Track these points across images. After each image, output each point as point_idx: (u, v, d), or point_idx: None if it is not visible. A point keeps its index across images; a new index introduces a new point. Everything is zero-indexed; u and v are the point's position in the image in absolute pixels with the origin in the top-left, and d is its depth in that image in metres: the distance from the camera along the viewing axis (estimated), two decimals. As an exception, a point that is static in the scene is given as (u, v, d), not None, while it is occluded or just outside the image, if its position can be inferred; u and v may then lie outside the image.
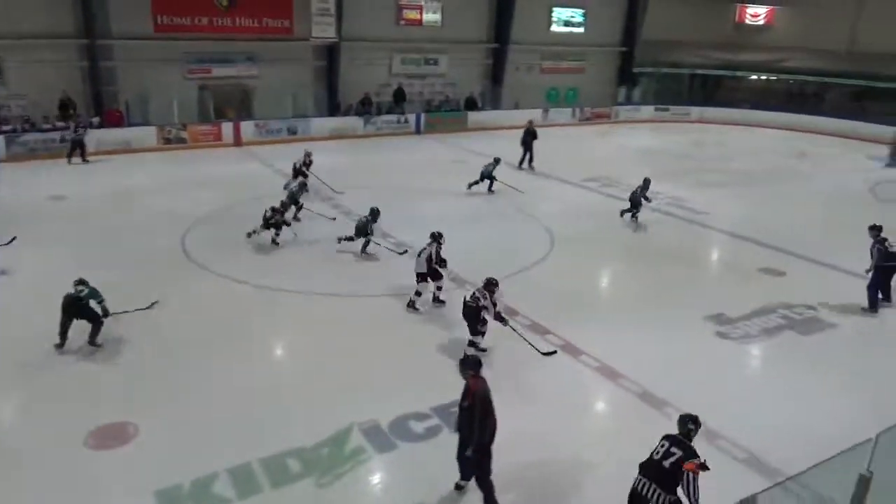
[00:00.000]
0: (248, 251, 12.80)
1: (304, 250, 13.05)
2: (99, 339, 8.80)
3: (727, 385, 8.60)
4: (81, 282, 8.63)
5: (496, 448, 5.99)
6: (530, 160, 20.94)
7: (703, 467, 4.81)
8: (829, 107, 31.77)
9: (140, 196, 16.58)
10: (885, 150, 24.79)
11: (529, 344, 8.95)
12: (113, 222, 14.52)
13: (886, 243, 10.63)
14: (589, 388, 8.53)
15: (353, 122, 25.54)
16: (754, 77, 35.40)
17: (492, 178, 17.45)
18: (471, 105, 28.33)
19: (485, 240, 13.96)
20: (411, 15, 27.37)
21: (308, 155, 17.32)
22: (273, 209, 12.96)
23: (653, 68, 34.42)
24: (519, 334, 9.10)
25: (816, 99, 33.19)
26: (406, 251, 12.39)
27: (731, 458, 6.97)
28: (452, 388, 7.97)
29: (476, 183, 17.43)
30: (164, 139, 22.30)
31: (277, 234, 12.98)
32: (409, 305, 10.47)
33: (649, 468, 5.22)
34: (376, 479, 6.70)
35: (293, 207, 13.90)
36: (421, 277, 10.36)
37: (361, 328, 9.83)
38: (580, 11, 31.81)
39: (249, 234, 13.00)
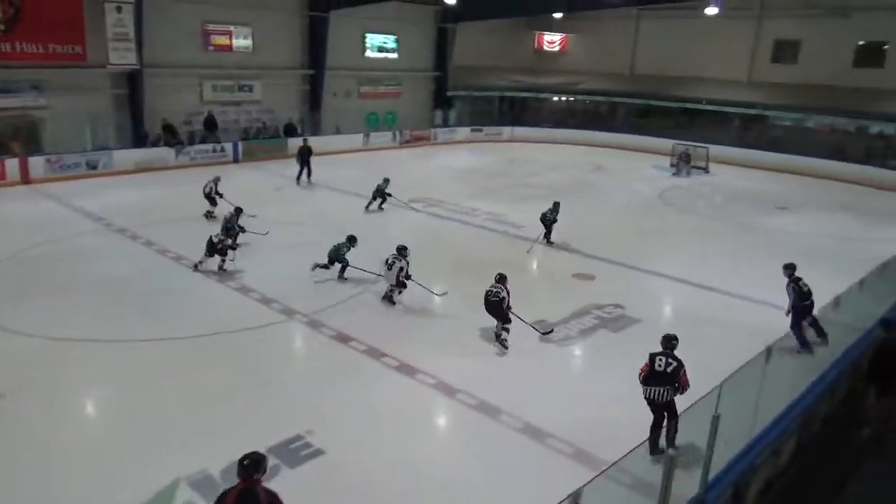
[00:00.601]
0: (38, 300, 11.47)
1: (102, 291, 11.96)
2: None
3: (553, 386, 9.17)
4: None
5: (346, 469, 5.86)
6: (308, 174, 22.18)
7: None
8: (619, 124, 35.51)
9: None
10: (666, 161, 28.14)
11: (531, 326, 10.44)
12: None
13: (801, 283, 10.03)
14: (427, 406, 8.67)
15: (163, 153, 23.90)
16: (555, 98, 38.54)
17: (384, 196, 18.73)
18: (290, 131, 27.81)
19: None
20: (220, 41, 26.31)
21: (217, 180, 17.34)
22: (218, 236, 13.03)
23: (465, 91, 36.23)
24: (521, 319, 10.31)
25: (608, 117, 36.91)
26: (381, 274, 12.27)
27: (559, 455, 7.44)
28: (287, 423, 7.74)
29: (372, 202, 18.71)
30: (-69, 180, 19.36)
31: (223, 261, 12.97)
32: (384, 298, 11.79)
33: (655, 378, 7.14)
34: (213, 533, 6.26)
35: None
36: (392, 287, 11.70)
37: (174, 371, 9.18)
38: (392, 37, 32.65)
39: (196, 266, 12.98)
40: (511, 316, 10.17)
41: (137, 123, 24.07)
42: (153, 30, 23.76)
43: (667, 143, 29.30)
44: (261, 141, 26.90)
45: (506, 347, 10.13)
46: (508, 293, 10.12)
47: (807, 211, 20.93)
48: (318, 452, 7.28)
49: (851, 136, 29.10)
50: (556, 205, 16.53)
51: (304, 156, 22.16)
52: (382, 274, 12.05)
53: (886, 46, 28.48)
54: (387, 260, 11.79)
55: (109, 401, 8.62)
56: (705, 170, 27.39)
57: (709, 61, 32.44)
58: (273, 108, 28.28)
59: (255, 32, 27.10)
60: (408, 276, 11.68)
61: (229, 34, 26.47)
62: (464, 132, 34.79)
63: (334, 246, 12.99)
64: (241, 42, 26.89)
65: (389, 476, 7.02)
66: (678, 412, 6.93)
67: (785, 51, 31.36)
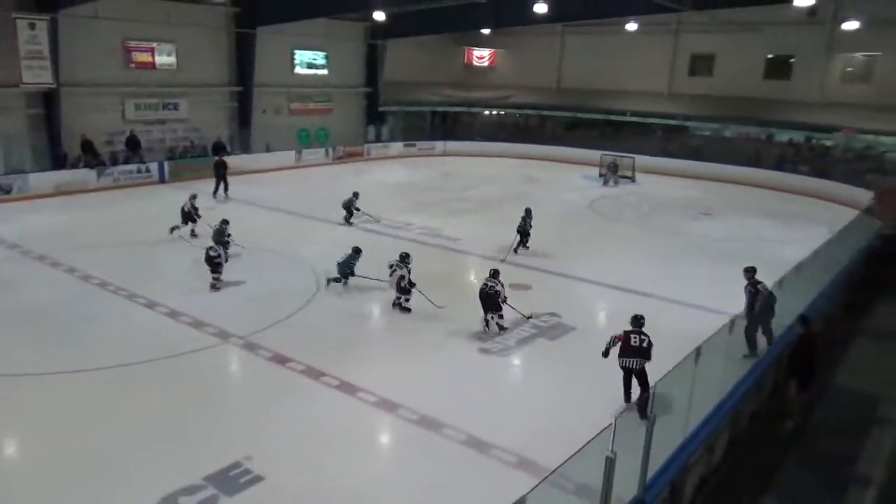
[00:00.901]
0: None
1: (20, 321, 11.37)
2: None
3: (495, 396, 9.25)
4: None
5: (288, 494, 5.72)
6: (225, 189, 22.56)
7: None
8: (548, 136, 36.37)
9: None
10: (595, 171, 28.98)
11: (521, 314, 11.49)
12: None
13: (759, 286, 9.85)
14: (369, 424, 8.58)
15: (84, 175, 22.87)
16: (486, 112, 39.13)
17: (351, 210, 19.21)
18: (219, 150, 27.12)
19: (251, 287, 13.43)
20: (142, 58, 25.49)
21: (193, 197, 17.54)
22: (215, 249, 13.18)
23: (397, 107, 36.35)
24: (513, 308, 11.38)
25: (538, 129, 37.75)
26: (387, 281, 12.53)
27: (503, 465, 7.49)
28: (225, 450, 7.51)
29: (348, 217, 19.17)
30: None
31: (216, 279, 13.16)
32: (394, 307, 12.30)
33: (632, 351, 8.29)
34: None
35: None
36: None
37: (100, 404, 8.78)
38: (322, 54, 32.45)
39: (214, 287, 13.08)
40: (504, 306, 11.30)
41: (55, 144, 23.03)
42: (70, 47, 22.84)
43: (594, 154, 30.20)
44: (189, 160, 26.15)
45: (504, 328, 11.28)
46: (502, 286, 11.17)
47: (728, 216, 21.91)
48: (257, 479, 7.09)
49: (764, 143, 30.77)
50: (528, 211, 16.97)
51: (220, 170, 22.58)
52: (388, 281, 12.47)
53: (793, 60, 30.33)
54: (390, 265, 12.31)
55: (30, 439, 8.15)
56: (632, 179, 28.35)
57: (631, 75, 33.74)
58: (200, 126, 27.59)
59: (179, 49, 26.41)
60: (411, 284, 12.15)
61: (152, 51, 25.70)
62: (397, 147, 34.83)
63: (342, 260, 13.39)
64: (165, 59, 26.14)
65: (333, 499, 6.90)
66: (649, 382, 7.94)
67: (701, 64, 33.01)
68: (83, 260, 14.65)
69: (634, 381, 8.45)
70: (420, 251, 16.72)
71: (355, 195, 19.52)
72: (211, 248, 13.28)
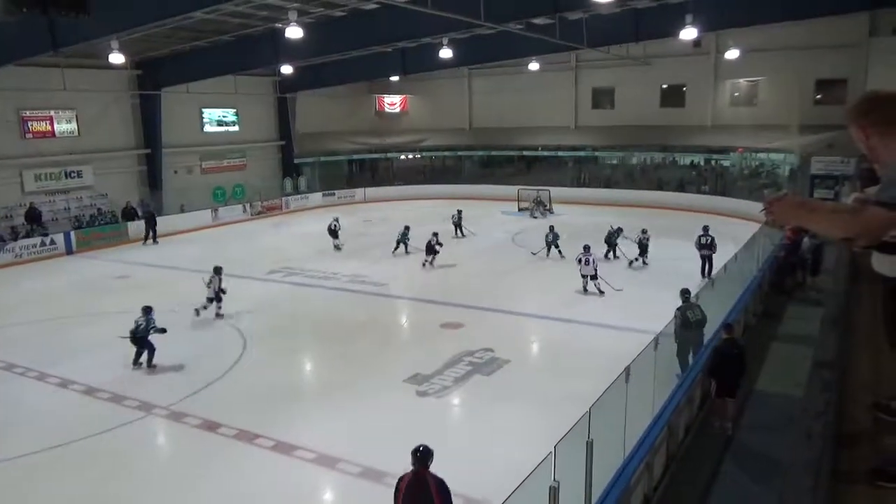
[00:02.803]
0: None
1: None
2: None
3: (436, 438, 9.04)
4: None
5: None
6: (154, 237, 25.03)
7: None
8: (465, 175, 37.13)
9: None
10: (513, 206, 29.67)
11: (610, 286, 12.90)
12: None
13: (688, 312, 10.00)
14: (309, 482, 8.30)
15: (-19, 253, 21.53)
16: (402, 157, 39.60)
17: (405, 243, 21.31)
18: (129, 215, 26.15)
19: (173, 354, 12.81)
20: (40, 127, 24.44)
21: (337, 219, 22.86)
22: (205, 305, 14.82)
23: (312, 158, 36.30)
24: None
25: (455, 170, 38.48)
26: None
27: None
28: None
29: (397, 248, 21.30)
30: None
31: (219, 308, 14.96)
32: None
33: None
34: None
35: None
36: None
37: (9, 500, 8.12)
38: (231, 111, 32.12)
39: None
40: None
41: (-53, 222, 21.61)
42: (-40, 121, 21.72)
43: (511, 190, 31.01)
44: (98, 228, 25.04)
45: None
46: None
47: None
48: (194, 556, 6.70)
49: (668, 167, 32.53)
50: (551, 227, 20.17)
51: (149, 219, 25.12)
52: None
53: (685, 88, 32.39)
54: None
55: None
56: (550, 210, 29.21)
57: (538, 111, 35.09)
58: (108, 191, 26.55)
59: (79, 115, 25.52)
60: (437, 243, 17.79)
61: (50, 119, 24.71)
62: (316, 198, 34.60)
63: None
64: (65, 126, 25.18)
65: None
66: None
67: (602, 97, 34.76)
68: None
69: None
70: (348, 299, 16.58)
71: (407, 228, 21.78)
72: (202, 306, 15.01)
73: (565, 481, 5.42)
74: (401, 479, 6.12)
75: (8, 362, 12.52)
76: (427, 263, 19.53)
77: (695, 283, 12.83)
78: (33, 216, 23.72)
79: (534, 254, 20.62)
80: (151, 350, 11.99)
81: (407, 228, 21.80)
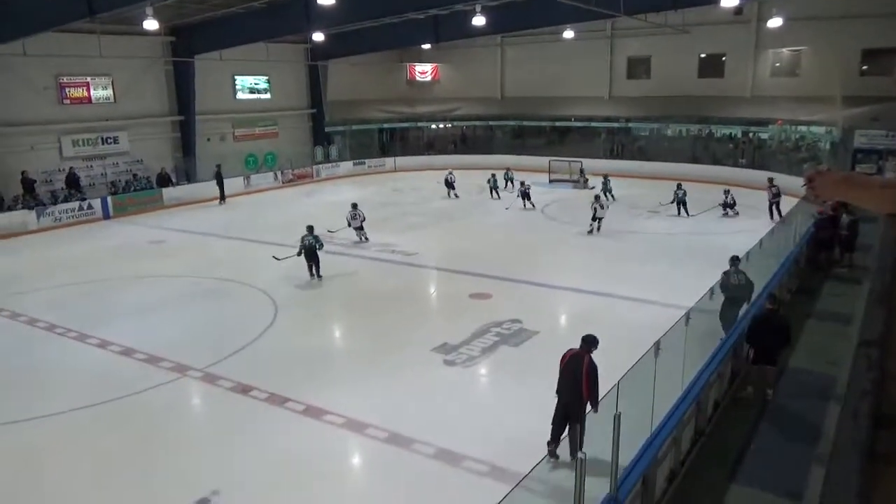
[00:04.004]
0: None
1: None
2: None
3: (462, 407, 9.23)
4: None
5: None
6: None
7: None
8: (497, 145, 36.78)
9: None
10: (544, 178, 29.35)
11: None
12: None
13: (732, 277, 10.36)
14: (338, 447, 8.46)
15: (23, 217, 22.05)
16: (433, 126, 39.36)
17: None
18: (164, 181, 26.57)
19: (206, 320, 13.14)
20: (77, 93, 24.82)
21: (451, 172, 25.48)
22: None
23: (344, 126, 36.28)
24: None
25: (486, 140, 38.12)
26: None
27: (476, 475, 7.47)
28: (191, 487, 7.29)
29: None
30: None
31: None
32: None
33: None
34: None
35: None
36: None
37: (55, 450, 8.43)
38: (263, 78, 32.17)
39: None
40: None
41: (-11, 187, 22.18)
42: (1, 86, 22.11)
43: (542, 161, 30.65)
44: (133, 194, 25.50)
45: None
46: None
47: (673, 213, 22.46)
48: (227, 513, 6.91)
49: (704, 139, 31.78)
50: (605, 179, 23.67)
51: (219, 179, 26.85)
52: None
53: (724, 58, 31.44)
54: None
55: None
56: (586, 182, 28.80)
57: (572, 81, 34.44)
58: (143, 158, 26.97)
59: (115, 82, 25.83)
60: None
61: (86, 86, 25.05)
62: (347, 166, 34.69)
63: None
64: (101, 93, 25.52)
65: (306, 525, 6.77)
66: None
67: (638, 67, 33.94)
68: (28, 304, 14.11)
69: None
70: (377, 268, 16.68)
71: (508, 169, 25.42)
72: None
73: (592, 453, 5.42)
74: (567, 351, 7.59)
75: (49, 323, 12.93)
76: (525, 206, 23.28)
77: (725, 257, 12.61)
78: (73, 181, 24.25)
79: (506, 209, 23.28)
80: (318, 263, 15.27)
81: (493, 175, 25.65)
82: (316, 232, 15.62)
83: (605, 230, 19.64)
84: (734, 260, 10.77)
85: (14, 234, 21.26)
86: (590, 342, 7.48)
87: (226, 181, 27.30)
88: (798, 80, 29.34)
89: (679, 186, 22.18)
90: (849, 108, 24.50)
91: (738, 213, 21.30)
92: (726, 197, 21.53)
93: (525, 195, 24.01)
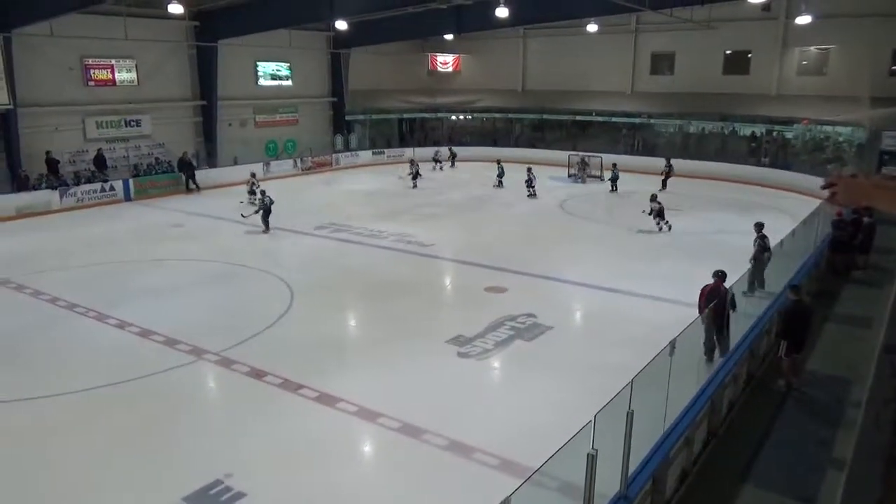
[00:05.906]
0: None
1: None
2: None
3: (474, 400, 9.26)
4: None
5: None
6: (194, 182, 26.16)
7: None
8: (516, 138, 36.62)
9: None
10: (563, 172, 29.20)
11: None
12: None
13: (767, 240, 12.42)
14: (350, 435, 8.53)
15: (46, 197, 22.39)
16: (453, 117, 39.26)
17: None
18: (184, 166, 26.75)
19: (223, 304, 13.27)
20: (101, 75, 25.05)
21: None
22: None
23: (364, 115, 36.30)
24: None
25: (505, 132, 37.97)
26: None
27: (486, 468, 7.50)
28: (204, 469, 7.39)
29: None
30: None
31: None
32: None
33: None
34: None
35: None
36: None
37: (73, 428, 8.57)
38: (285, 65, 32.26)
39: None
40: None
41: (14, 166, 22.49)
42: (27, 67, 22.40)
43: (562, 155, 30.48)
44: (154, 177, 25.76)
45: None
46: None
47: (695, 211, 22.25)
48: (238, 496, 7.00)
49: (726, 137, 31.39)
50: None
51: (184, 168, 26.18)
52: None
53: (750, 55, 30.98)
54: None
55: (2, 465, 7.93)
56: (600, 178, 28.63)
57: (594, 75, 34.14)
58: (165, 141, 27.20)
59: (139, 65, 26.03)
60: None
61: (111, 68, 25.28)
62: (366, 156, 34.75)
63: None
64: (125, 75, 25.73)
65: (317, 511, 6.84)
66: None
67: (662, 62, 33.52)
68: (50, 283, 14.34)
69: None
70: (393, 258, 16.73)
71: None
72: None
73: (603, 450, 5.42)
74: (705, 287, 9.43)
75: (70, 302, 13.14)
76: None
77: (738, 257, 12.49)
78: (100, 162, 24.56)
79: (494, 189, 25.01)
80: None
81: (529, 170, 25.24)
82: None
83: (623, 227, 19.52)
84: (759, 225, 12.62)
85: (38, 214, 21.62)
86: (721, 275, 9.39)
87: (245, 166, 27.39)
88: (825, 79, 28.83)
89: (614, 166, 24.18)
90: (877, 108, 24.06)
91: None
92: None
93: (528, 183, 24.72)
